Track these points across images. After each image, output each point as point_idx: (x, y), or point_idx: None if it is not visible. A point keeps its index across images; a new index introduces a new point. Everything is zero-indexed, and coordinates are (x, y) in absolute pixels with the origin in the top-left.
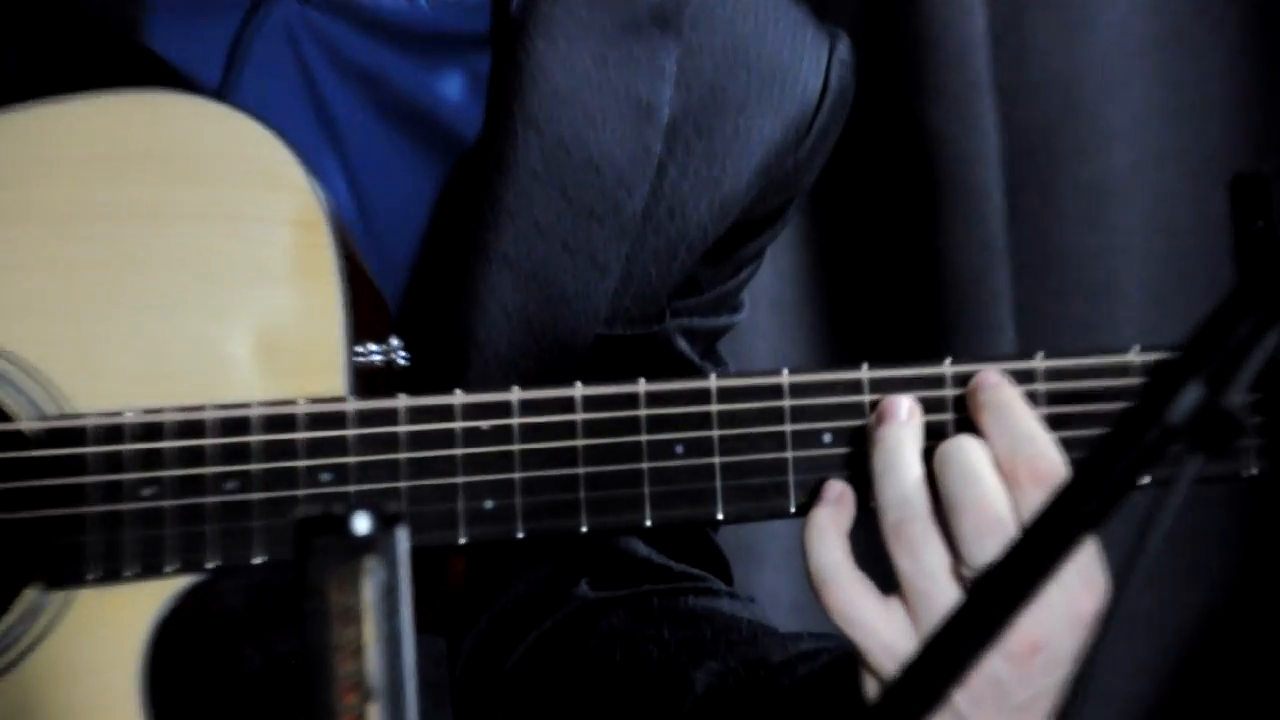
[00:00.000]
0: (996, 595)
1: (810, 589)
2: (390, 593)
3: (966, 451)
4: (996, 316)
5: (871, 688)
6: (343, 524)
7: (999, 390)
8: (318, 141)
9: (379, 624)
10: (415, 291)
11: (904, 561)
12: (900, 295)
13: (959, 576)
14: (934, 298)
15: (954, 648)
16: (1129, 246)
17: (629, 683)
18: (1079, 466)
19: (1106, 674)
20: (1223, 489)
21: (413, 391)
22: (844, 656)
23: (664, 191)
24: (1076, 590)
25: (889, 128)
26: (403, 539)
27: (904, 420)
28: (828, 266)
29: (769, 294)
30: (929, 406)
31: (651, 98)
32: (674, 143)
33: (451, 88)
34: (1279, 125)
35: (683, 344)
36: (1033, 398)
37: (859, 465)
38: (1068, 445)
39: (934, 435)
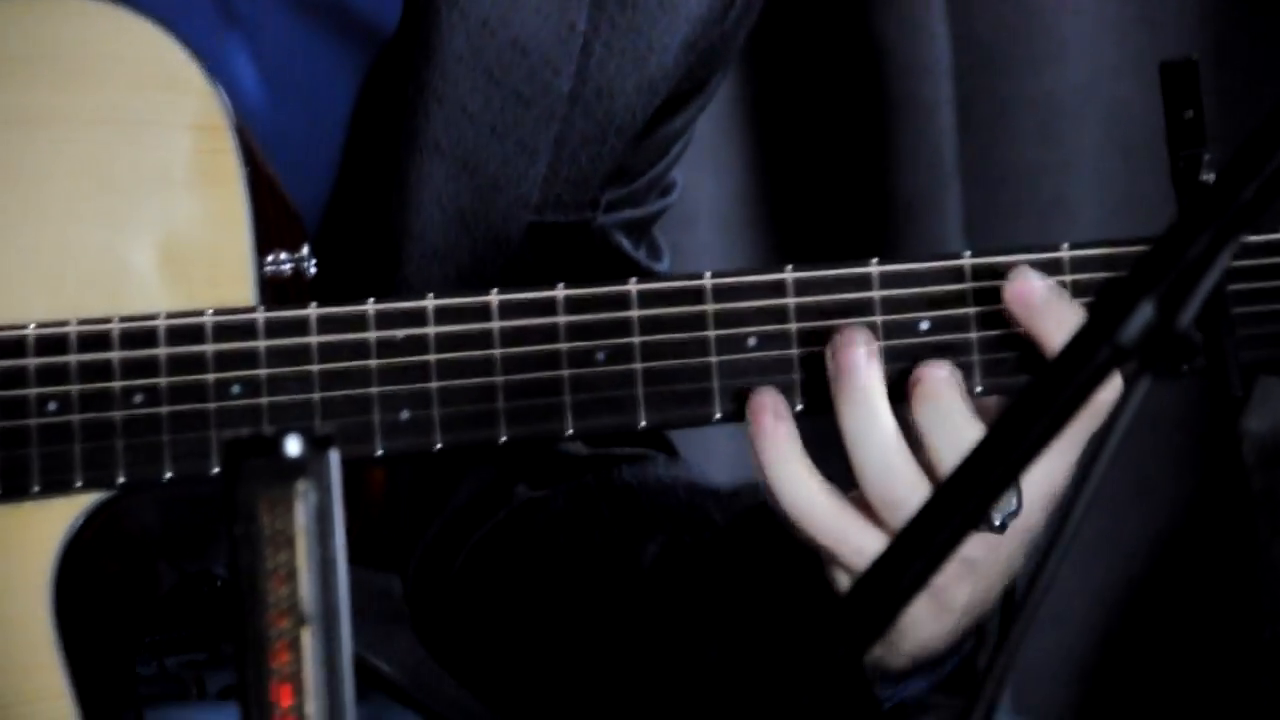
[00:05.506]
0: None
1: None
2: (323, 516)
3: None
4: (946, 234)
5: (843, 579)
6: (274, 446)
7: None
8: (224, 37)
9: (312, 548)
10: (341, 187)
11: (886, 513)
12: (847, 212)
13: None
14: (881, 215)
15: (928, 536)
16: (1082, 162)
17: (576, 567)
18: (1027, 387)
19: (1057, 598)
20: (1173, 409)
21: (328, 300)
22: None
23: (590, 71)
24: (1051, 467)
25: (835, 38)
26: (334, 461)
27: (864, 366)
28: (773, 184)
29: (715, 212)
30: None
31: None
32: (599, 18)
33: None
34: (1236, 37)
35: (622, 240)
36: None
37: (783, 370)
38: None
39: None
